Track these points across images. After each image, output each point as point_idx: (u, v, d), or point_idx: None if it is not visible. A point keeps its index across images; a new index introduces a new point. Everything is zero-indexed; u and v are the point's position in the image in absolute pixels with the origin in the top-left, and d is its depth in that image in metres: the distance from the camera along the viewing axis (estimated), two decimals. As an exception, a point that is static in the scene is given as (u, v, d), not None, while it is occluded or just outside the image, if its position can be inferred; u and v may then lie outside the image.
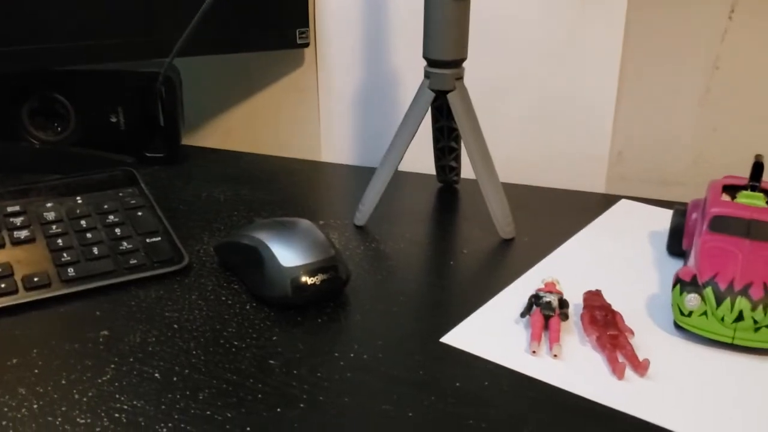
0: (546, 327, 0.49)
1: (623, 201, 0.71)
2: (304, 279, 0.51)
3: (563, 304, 0.50)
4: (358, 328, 0.50)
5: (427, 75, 0.61)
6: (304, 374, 0.45)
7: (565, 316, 0.50)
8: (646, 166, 0.74)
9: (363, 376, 0.45)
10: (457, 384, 0.44)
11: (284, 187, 0.74)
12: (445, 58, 0.60)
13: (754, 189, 0.54)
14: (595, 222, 0.66)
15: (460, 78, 0.61)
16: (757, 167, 0.53)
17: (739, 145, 0.71)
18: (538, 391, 0.44)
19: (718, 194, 0.54)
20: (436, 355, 0.47)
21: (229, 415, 0.41)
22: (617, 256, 0.59)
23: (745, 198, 0.53)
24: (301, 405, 0.42)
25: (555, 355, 0.47)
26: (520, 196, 0.71)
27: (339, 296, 0.53)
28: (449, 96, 0.60)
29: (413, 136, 0.62)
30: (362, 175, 0.77)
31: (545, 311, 0.49)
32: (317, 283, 0.51)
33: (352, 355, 0.47)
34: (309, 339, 0.48)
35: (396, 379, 0.45)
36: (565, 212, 0.68)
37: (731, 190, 0.55)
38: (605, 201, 0.71)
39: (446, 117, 0.65)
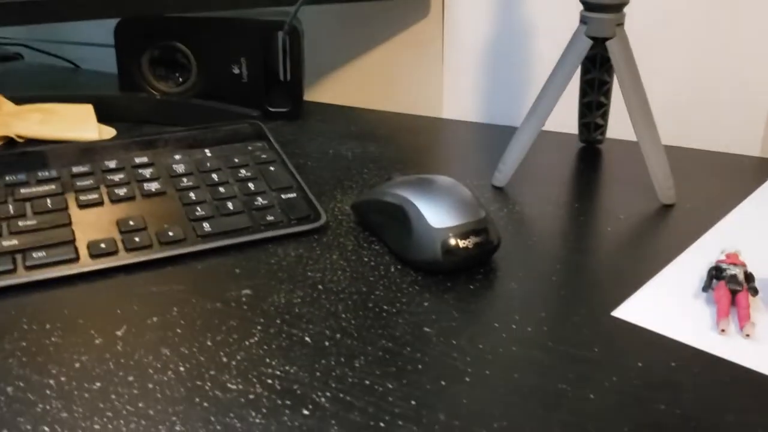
0: (733, 303, 0.43)
1: (791, 166, 0.63)
2: (455, 242, 0.46)
3: (749, 278, 0.45)
4: (516, 297, 0.45)
5: (583, 20, 0.55)
6: (464, 345, 0.41)
7: (754, 291, 0.44)
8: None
9: (531, 350, 0.40)
10: (640, 364, 0.39)
11: (412, 145, 0.70)
12: (605, 1, 0.54)
13: None
14: (762, 188, 0.59)
15: (621, 24, 0.55)
16: None
17: None
18: (733, 374, 0.38)
19: None
20: (609, 331, 0.42)
21: (390, 386, 0.37)
22: (798, 226, 0.53)
23: None
24: (467, 379, 0.38)
25: (747, 335, 0.41)
26: (672, 158, 0.65)
27: (489, 262, 0.49)
28: (609, 44, 0.54)
29: (564, 88, 0.56)
30: (491, 132, 0.72)
31: (731, 285, 0.44)
32: (469, 246, 0.47)
33: (514, 326, 0.42)
34: (464, 307, 0.44)
35: (569, 356, 0.40)
36: (725, 177, 0.61)
37: None
38: (764, 165, 0.64)
39: (598, 68, 0.59)
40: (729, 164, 0.64)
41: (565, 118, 0.69)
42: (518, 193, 0.59)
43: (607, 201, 0.58)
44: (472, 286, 0.46)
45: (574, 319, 0.43)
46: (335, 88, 0.84)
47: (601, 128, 0.65)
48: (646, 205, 0.57)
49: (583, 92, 0.62)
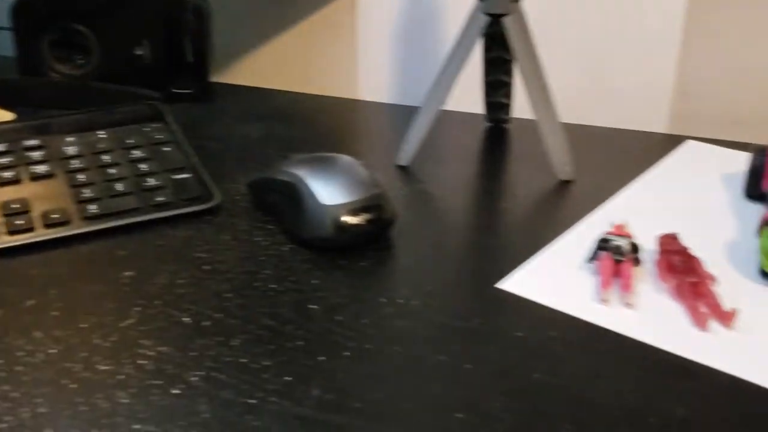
0: (616, 273, 0.44)
1: (689, 142, 0.65)
2: (346, 218, 0.46)
3: (635, 248, 0.45)
4: (406, 272, 0.45)
5: (480, -3, 0.55)
6: (348, 320, 0.40)
7: (637, 262, 0.45)
8: (714, 105, 0.68)
9: (414, 323, 0.40)
10: (519, 334, 0.39)
11: (321, 126, 0.69)
12: (501, -22, 0.54)
13: None
14: (661, 163, 0.60)
15: (517, 0, 0.55)
16: None
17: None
18: (611, 343, 0.39)
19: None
20: (493, 303, 0.42)
21: (267, 363, 0.37)
22: (689, 200, 0.54)
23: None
24: (346, 353, 0.38)
25: (628, 304, 0.42)
26: (576, 135, 0.66)
27: (384, 238, 0.49)
28: (505, 20, 0.55)
29: (463, 66, 0.56)
30: (404, 113, 0.71)
31: (616, 255, 0.44)
32: (361, 223, 0.46)
33: (400, 301, 0.42)
34: (353, 283, 0.44)
35: (450, 328, 0.40)
36: (627, 153, 0.62)
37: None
38: (669, 142, 0.65)
39: (500, 46, 0.60)
40: (633, 141, 0.65)
41: (475, 98, 0.69)
42: (422, 171, 0.59)
43: (507, 179, 0.58)
44: (363, 263, 0.46)
45: (459, 292, 0.43)
46: (248, 70, 0.83)
47: (506, 107, 0.66)
48: (544, 182, 0.57)
49: (486, 71, 0.62)
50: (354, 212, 0.46)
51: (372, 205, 0.47)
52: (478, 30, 0.55)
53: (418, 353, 0.38)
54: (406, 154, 0.59)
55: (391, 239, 0.49)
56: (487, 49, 0.61)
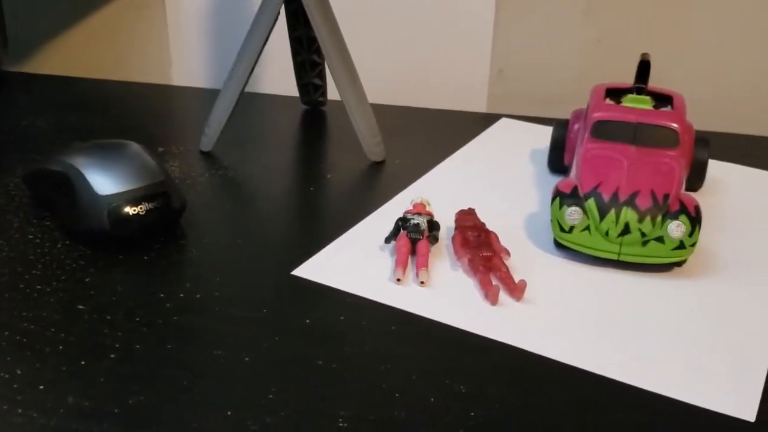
0: (413, 252, 0.43)
1: (503, 120, 0.65)
2: (124, 209, 0.42)
3: (433, 226, 0.44)
4: (193, 264, 0.42)
5: (276, -27, 0.52)
6: (120, 320, 0.37)
7: (434, 239, 0.43)
8: (529, 84, 0.69)
9: (194, 318, 0.37)
10: (307, 321, 0.37)
11: (124, 113, 0.64)
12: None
13: (640, 92, 0.49)
14: (473, 141, 0.60)
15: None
16: (644, 66, 0.48)
17: (626, 56, 0.66)
18: (403, 323, 0.37)
19: (602, 98, 0.48)
20: (284, 291, 0.40)
21: (18, 371, 0.33)
22: (495, 176, 0.54)
23: (630, 102, 0.48)
24: (112, 356, 0.34)
25: (422, 282, 0.40)
26: (394, 116, 0.64)
27: (173, 229, 0.45)
28: (303, -3, 0.52)
29: (262, 46, 0.53)
30: (215, 98, 0.68)
31: (412, 234, 0.43)
32: (141, 213, 0.43)
33: (181, 295, 0.39)
34: (130, 279, 0.40)
35: (234, 320, 0.37)
36: (443, 133, 0.62)
37: (616, 95, 0.50)
38: (485, 121, 0.65)
39: (305, 24, 0.57)
40: (450, 121, 0.65)
41: (293, 80, 0.66)
42: (227, 157, 0.56)
43: (317, 162, 0.56)
44: (146, 257, 0.42)
45: (250, 281, 0.40)
46: (51, 58, 0.77)
47: (320, 89, 0.63)
48: (355, 164, 0.55)
49: (295, 51, 0.60)
50: (134, 202, 0.42)
51: (155, 193, 0.43)
52: (275, 8, 0.52)
53: (192, 350, 0.35)
54: (208, 139, 0.56)
55: (182, 229, 0.45)
56: (293, 28, 0.58)
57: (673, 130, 0.45)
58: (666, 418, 0.32)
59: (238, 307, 0.38)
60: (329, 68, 0.53)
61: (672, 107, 0.47)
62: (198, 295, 0.39)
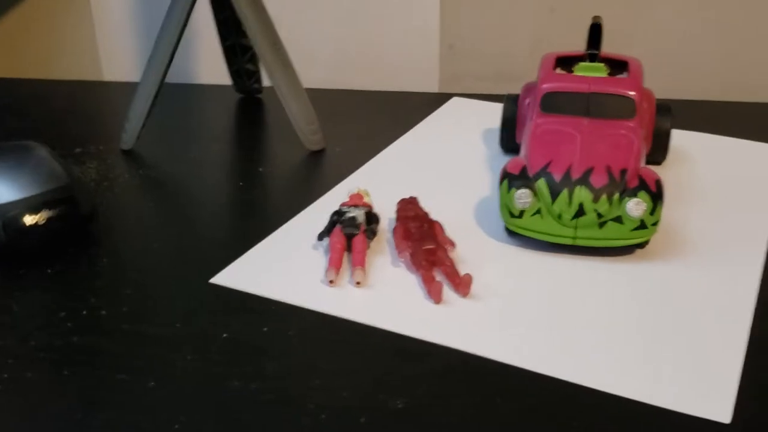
0: (349, 249, 0.38)
1: (455, 99, 0.61)
2: (23, 218, 0.37)
3: (371, 218, 0.40)
4: (102, 276, 0.37)
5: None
6: (11, 345, 0.32)
7: (372, 234, 0.39)
8: (481, 59, 0.64)
9: (96, 339, 0.33)
10: (225, 335, 0.33)
11: (44, 114, 0.59)
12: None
13: (593, 58, 0.44)
14: (422, 123, 0.56)
15: (234, -49, 0.48)
16: (595, 30, 0.44)
17: (580, 26, 0.62)
18: (334, 331, 0.33)
19: (551, 68, 0.44)
20: (201, 302, 0.35)
21: None
22: (445, 160, 0.49)
23: (583, 70, 0.43)
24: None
25: (358, 283, 0.36)
26: (335, 101, 0.60)
27: (83, 237, 0.41)
28: (222, -25, 0.48)
29: (180, 32, 0.49)
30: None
31: (348, 229, 0.39)
32: (41, 222, 0.38)
33: (84, 312, 0.34)
34: (28, 297, 0.36)
35: (143, 338, 0.33)
36: (389, 117, 0.57)
37: (567, 63, 0.45)
38: (437, 101, 0.61)
39: (230, 7, 0.52)
40: (399, 103, 0.60)
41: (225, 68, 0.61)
42: (151, 154, 0.51)
43: (251, 155, 0.51)
44: (50, 270, 0.38)
45: (163, 293, 0.36)
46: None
47: (255, 75, 0.59)
48: (292, 155, 0.51)
49: (222, 35, 0.55)
50: (32, 209, 0.38)
51: (58, 198, 0.39)
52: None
53: (90, 376, 0.30)
54: (128, 136, 0.51)
55: (93, 237, 0.41)
56: (217, 11, 0.54)
57: (630, 98, 0.41)
58: (634, 425, 0.28)
59: (147, 324, 0.34)
60: (256, 50, 0.49)
61: (628, 74, 0.43)
62: (103, 312, 0.34)
